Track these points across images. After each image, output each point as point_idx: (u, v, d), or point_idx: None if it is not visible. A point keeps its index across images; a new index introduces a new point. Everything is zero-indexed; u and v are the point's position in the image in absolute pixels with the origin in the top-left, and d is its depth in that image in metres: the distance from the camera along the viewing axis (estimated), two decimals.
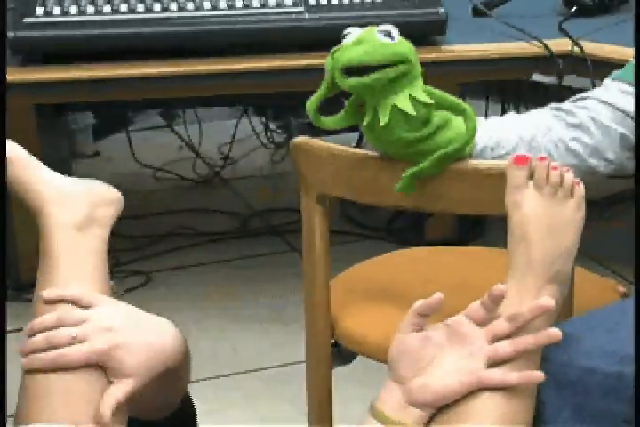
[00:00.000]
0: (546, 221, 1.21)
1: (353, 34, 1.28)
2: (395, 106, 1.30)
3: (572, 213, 1.23)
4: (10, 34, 1.91)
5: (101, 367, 1.09)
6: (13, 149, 1.24)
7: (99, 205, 1.23)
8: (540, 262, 1.19)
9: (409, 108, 1.30)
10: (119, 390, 1.07)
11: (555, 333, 1.13)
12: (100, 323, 1.09)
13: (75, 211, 1.20)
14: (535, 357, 1.16)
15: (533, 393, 1.16)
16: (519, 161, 1.25)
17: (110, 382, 1.08)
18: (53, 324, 1.10)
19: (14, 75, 1.91)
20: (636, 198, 1.31)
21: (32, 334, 1.12)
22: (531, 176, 1.24)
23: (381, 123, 1.31)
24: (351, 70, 1.28)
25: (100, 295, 1.15)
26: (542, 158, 1.25)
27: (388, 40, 1.27)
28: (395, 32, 1.28)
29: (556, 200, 1.23)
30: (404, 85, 1.30)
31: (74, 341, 1.08)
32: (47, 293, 1.14)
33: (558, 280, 1.20)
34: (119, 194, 1.27)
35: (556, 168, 1.24)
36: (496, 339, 1.14)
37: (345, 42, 1.28)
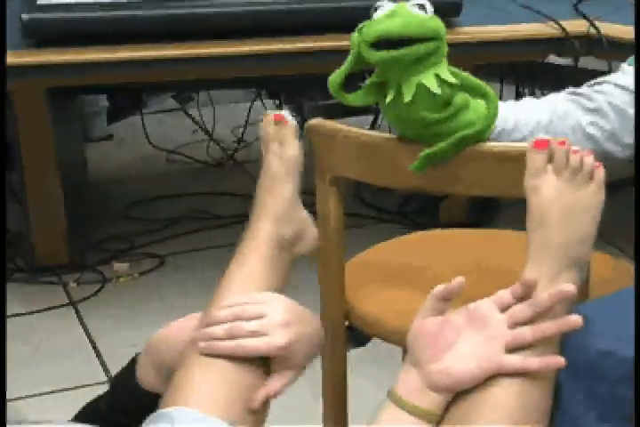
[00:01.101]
0: (565, 205, 1.20)
1: (385, 7, 1.26)
2: (420, 84, 1.28)
3: (591, 197, 1.21)
4: (24, 16, 1.90)
5: (264, 360, 1.14)
6: (298, 150, 1.35)
7: (301, 237, 1.32)
8: (558, 247, 1.18)
9: (434, 87, 1.28)
10: (280, 382, 1.14)
11: (575, 319, 1.12)
12: (277, 318, 1.14)
13: (284, 232, 1.29)
14: (554, 343, 1.15)
15: (552, 379, 1.15)
16: (539, 145, 1.23)
17: (268, 374, 1.14)
18: (230, 318, 1.15)
19: (28, 57, 1.91)
20: (636, 186, 1.31)
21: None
22: (550, 160, 1.22)
23: (405, 100, 1.29)
24: (379, 45, 1.26)
25: (268, 293, 1.21)
26: (562, 142, 1.23)
27: (422, 13, 1.26)
28: (428, 6, 1.27)
29: (576, 184, 1.21)
30: (431, 64, 1.28)
31: (254, 334, 1.12)
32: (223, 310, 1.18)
33: (577, 265, 1.19)
34: (317, 237, 1.35)
35: (576, 152, 1.22)
36: (516, 325, 1.13)
37: (376, 15, 1.26)
